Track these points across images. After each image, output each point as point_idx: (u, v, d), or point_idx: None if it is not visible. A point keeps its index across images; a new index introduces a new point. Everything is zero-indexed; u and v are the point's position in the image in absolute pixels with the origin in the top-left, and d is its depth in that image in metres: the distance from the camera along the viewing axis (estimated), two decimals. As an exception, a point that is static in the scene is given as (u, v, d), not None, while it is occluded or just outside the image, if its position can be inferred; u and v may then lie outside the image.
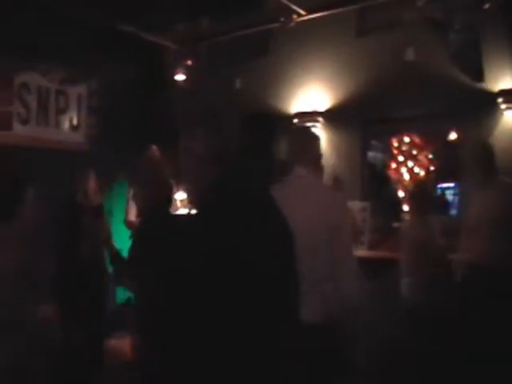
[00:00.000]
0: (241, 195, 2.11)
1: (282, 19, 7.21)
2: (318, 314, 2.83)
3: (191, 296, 1.94)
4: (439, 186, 7.66)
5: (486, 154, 4.80)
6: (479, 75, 4.64)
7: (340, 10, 7.46)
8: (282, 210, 2.21)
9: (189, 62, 8.26)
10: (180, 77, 8.41)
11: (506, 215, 4.56)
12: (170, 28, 7.99)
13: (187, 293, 1.95)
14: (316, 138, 3.55)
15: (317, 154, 3.39)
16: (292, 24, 7.27)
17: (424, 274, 4.65)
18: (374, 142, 8.59)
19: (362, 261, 3.38)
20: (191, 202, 2.48)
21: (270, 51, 8.77)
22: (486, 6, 5.46)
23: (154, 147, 3.73)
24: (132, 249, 3.26)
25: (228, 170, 2.18)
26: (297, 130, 4.05)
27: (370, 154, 8.58)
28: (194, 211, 2.26)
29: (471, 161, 4.87)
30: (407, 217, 6.21)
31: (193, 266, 1.95)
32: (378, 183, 8.14)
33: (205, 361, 1.91)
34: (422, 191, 5.04)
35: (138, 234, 3.30)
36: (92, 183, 3.58)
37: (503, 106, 6.97)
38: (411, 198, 5.11)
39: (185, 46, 8.47)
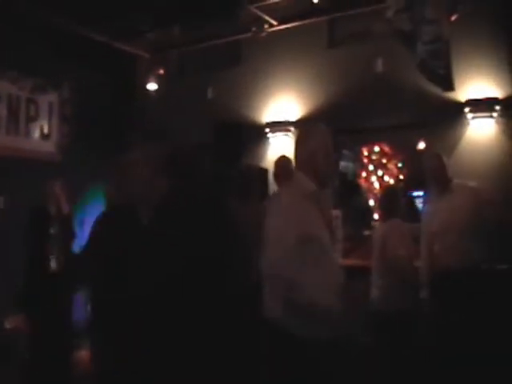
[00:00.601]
0: (190, 207, 2.13)
1: (253, 29, 7.19)
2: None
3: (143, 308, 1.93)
4: (409, 193, 7.69)
5: (437, 163, 4.89)
6: (449, 84, 4.68)
7: (311, 20, 7.47)
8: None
9: (160, 71, 8.19)
10: (152, 85, 8.33)
11: (468, 217, 4.62)
12: (141, 36, 7.92)
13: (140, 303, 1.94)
14: None
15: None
16: (263, 34, 7.26)
17: (392, 280, 4.63)
18: (345, 152, 8.63)
19: None
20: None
21: (242, 61, 8.76)
22: (453, 17, 5.52)
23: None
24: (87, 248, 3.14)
25: (179, 183, 2.18)
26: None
27: (342, 163, 8.61)
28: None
29: (426, 171, 4.97)
30: (377, 220, 6.26)
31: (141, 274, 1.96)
32: (348, 192, 8.16)
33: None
34: (389, 197, 5.04)
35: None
36: (60, 193, 3.48)
37: (470, 116, 7.07)
38: (380, 203, 5.11)
39: (156, 55, 8.40)
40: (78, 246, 3.44)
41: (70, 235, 3.48)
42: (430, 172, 5.00)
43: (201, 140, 8.10)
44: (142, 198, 2.34)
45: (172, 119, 8.54)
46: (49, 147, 8.22)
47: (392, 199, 4.96)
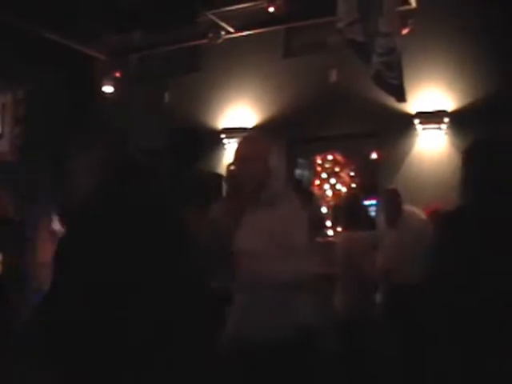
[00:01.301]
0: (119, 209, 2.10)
1: (210, 35, 7.16)
2: None
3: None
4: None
5: (395, 200, 4.92)
6: (402, 95, 4.76)
7: (267, 30, 7.49)
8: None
9: (117, 74, 8.07)
10: (108, 88, 8.19)
11: (415, 249, 4.68)
12: (99, 38, 7.79)
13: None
14: None
15: None
16: (220, 41, 7.24)
17: (354, 288, 4.62)
18: (300, 160, 8.68)
19: None
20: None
21: (200, 67, 8.73)
22: (405, 31, 5.64)
23: None
24: None
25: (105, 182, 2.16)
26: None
27: (296, 171, 8.66)
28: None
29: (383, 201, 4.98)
30: (335, 231, 6.27)
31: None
32: (302, 199, 8.19)
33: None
34: (352, 206, 5.01)
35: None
36: (4, 198, 3.37)
37: (420, 127, 7.21)
38: (342, 211, 5.07)
39: (114, 58, 8.28)
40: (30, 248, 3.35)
41: (19, 239, 3.38)
42: (385, 204, 5.00)
43: (156, 145, 8.00)
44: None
45: (129, 123, 8.44)
46: (1, 147, 8.00)
47: (355, 209, 4.95)
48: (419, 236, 4.78)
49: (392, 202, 4.90)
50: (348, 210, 4.99)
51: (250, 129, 8.14)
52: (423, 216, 5.10)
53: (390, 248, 4.81)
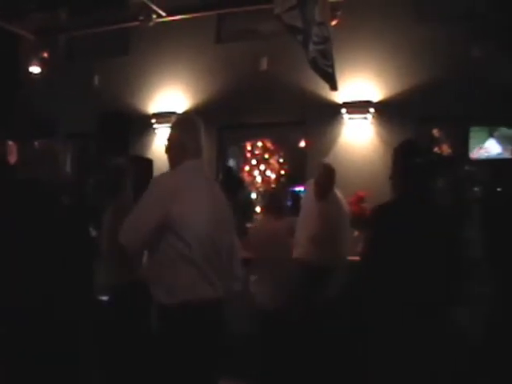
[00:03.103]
0: None
1: (141, 18, 6.92)
2: None
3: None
4: (292, 188, 7.78)
5: (327, 174, 4.92)
6: (334, 84, 4.80)
7: (199, 14, 7.35)
8: None
9: (44, 54, 7.66)
10: (35, 68, 7.78)
11: (334, 225, 4.74)
12: (26, 17, 7.36)
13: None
14: None
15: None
16: (151, 24, 7.01)
17: (271, 273, 4.60)
18: (230, 147, 8.62)
19: None
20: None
21: (130, 50, 8.47)
22: (334, 22, 5.67)
23: None
24: None
25: None
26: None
27: (227, 157, 8.60)
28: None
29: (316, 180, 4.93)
30: (260, 217, 6.23)
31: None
32: (233, 185, 8.15)
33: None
34: (274, 194, 5.02)
35: None
36: None
37: (346, 117, 7.31)
38: (265, 198, 5.07)
39: (41, 37, 7.86)
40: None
41: None
42: (318, 178, 4.99)
43: (86, 128, 7.76)
44: None
45: (57, 105, 8.09)
46: None
47: (276, 200, 4.91)
48: (341, 215, 4.86)
49: (327, 176, 4.87)
50: (273, 197, 4.98)
51: (181, 114, 7.98)
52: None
53: (318, 218, 4.78)
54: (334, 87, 4.83)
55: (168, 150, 2.96)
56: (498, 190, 5.19)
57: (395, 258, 2.84)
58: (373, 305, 2.90)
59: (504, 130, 7.15)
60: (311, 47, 4.38)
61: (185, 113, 8.01)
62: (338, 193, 5.01)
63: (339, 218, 4.85)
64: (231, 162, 8.70)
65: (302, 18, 4.32)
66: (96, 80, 8.08)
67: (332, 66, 4.48)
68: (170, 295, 2.69)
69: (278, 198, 4.94)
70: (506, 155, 7.06)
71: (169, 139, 2.98)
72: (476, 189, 4.94)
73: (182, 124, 3.10)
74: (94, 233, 6.37)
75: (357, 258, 3.86)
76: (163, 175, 2.89)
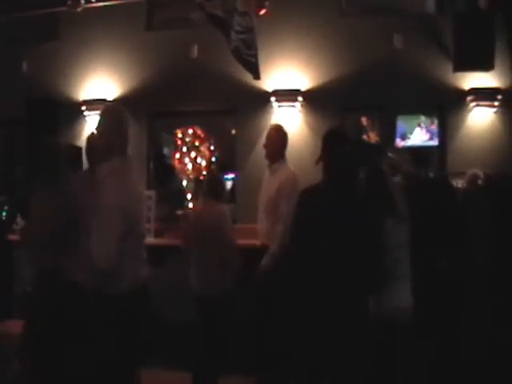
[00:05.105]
0: None
1: (69, 2, 6.68)
2: None
3: None
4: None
5: (277, 138, 4.76)
6: (257, 73, 4.80)
7: (128, 1, 7.19)
8: None
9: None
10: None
11: (276, 197, 4.58)
12: None
13: None
14: None
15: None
16: (80, 9, 6.77)
17: (213, 261, 4.47)
18: (162, 134, 8.51)
19: (149, 248, 3.21)
20: None
21: (60, 36, 8.18)
22: (262, 12, 5.67)
23: None
24: None
25: None
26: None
27: (161, 145, 8.51)
28: None
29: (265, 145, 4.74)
30: (196, 204, 6.10)
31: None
32: (163, 173, 8.07)
33: None
34: (214, 182, 4.80)
35: None
36: None
37: (276, 105, 7.36)
38: (205, 188, 4.79)
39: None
40: None
41: None
42: (265, 142, 4.77)
43: (13, 115, 7.48)
44: None
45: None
46: None
47: (217, 184, 4.74)
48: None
49: (271, 139, 4.73)
50: (210, 183, 4.80)
51: (111, 101, 7.81)
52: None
53: (265, 189, 4.71)
54: (256, 76, 4.86)
55: None
56: (420, 177, 5.32)
57: (315, 239, 2.90)
58: (293, 282, 2.96)
59: (425, 119, 7.40)
60: (233, 36, 4.37)
61: (115, 100, 7.83)
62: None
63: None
64: (165, 150, 8.60)
65: (222, 7, 4.30)
66: (24, 66, 7.77)
67: (255, 56, 4.49)
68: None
69: (219, 183, 4.78)
70: (431, 143, 7.32)
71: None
72: (396, 178, 5.02)
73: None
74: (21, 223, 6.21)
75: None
76: None
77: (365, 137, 7.63)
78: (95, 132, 3.09)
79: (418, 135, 7.42)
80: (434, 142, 7.34)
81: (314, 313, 2.85)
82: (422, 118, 7.43)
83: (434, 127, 7.36)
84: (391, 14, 7.16)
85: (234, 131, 7.95)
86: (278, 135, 4.79)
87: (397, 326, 3.24)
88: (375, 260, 2.92)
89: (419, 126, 7.44)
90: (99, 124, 3.05)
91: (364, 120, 7.72)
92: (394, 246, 3.31)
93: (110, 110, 3.30)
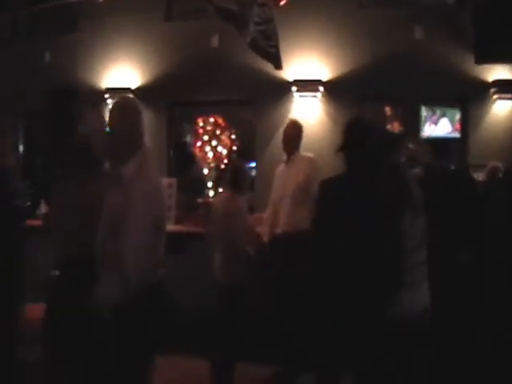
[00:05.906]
0: None
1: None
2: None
3: None
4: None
5: (291, 131, 4.81)
6: (279, 63, 4.79)
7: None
8: None
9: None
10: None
11: (305, 185, 4.66)
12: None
13: None
14: None
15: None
16: (100, 0, 6.80)
17: (234, 248, 4.49)
18: (183, 124, 8.55)
19: (169, 235, 3.18)
20: None
21: (81, 27, 8.22)
22: (283, 2, 5.63)
23: None
24: None
25: None
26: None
27: (183, 133, 8.54)
28: None
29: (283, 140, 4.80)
30: (221, 192, 6.15)
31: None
32: (184, 161, 8.11)
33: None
34: (237, 173, 4.79)
35: None
36: None
37: (296, 95, 7.33)
38: (228, 179, 4.78)
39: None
40: None
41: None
42: (283, 137, 4.88)
43: (37, 106, 7.57)
44: None
45: (7, 83, 7.84)
46: None
47: (240, 176, 4.72)
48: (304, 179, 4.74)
49: (290, 134, 4.80)
50: (233, 174, 4.77)
51: (134, 89, 7.85)
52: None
53: (285, 180, 4.76)
54: (278, 66, 4.84)
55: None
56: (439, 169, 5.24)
57: (337, 231, 2.82)
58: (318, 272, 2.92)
59: (448, 110, 7.31)
60: (252, 28, 4.35)
61: (137, 89, 7.87)
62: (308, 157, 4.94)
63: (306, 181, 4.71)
64: (188, 138, 8.63)
65: (235, 1, 4.25)
66: (47, 57, 7.85)
67: (276, 46, 4.47)
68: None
69: (242, 174, 4.75)
70: (453, 135, 7.22)
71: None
72: (416, 169, 4.94)
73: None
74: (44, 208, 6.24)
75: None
76: None
77: (389, 126, 7.57)
78: (109, 129, 2.84)
79: (442, 126, 7.34)
80: (457, 134, 7.25)
81: (331, 308, 2.82)
82: (445, 109, 7.34)
83: (457, 119, 7.27)
84: (411, 5, 7.05)
85: (253, 121, 7.95)
86: (294, 130, 4.88)
87: (414, 326, 3.16)
88: (393, 260, 2.84)
89: (443, 116, 7.35)
90: (113, 120, 2.83)
91: (388, 110, 7.66)
92: (412, 250, 3.14)
93: (123, 104, 3.02)
